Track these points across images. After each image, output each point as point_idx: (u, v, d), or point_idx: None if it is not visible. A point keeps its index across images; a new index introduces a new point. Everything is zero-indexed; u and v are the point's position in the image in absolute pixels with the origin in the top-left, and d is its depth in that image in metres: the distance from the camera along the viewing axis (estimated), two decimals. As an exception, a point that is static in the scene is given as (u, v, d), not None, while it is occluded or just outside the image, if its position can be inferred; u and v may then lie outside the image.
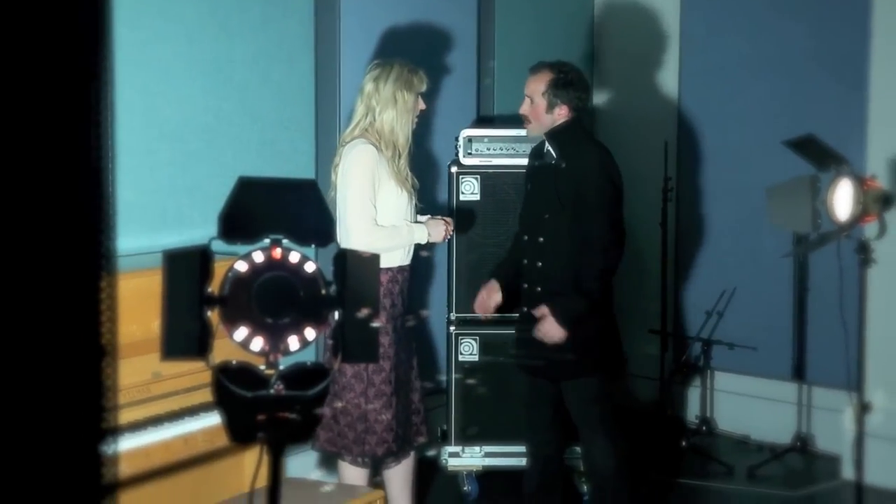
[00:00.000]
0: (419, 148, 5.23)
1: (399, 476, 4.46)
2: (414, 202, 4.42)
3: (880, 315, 5.03)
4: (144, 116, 4.19)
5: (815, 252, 5.18)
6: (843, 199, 4.19)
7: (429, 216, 4.48)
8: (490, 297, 4.58)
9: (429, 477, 5.32)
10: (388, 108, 4.27)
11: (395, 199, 4.28)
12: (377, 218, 4.25)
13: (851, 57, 5.58)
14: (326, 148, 4.87)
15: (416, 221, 4.41)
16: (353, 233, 4.18)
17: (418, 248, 4.46)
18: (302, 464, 4.74)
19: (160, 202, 4.27)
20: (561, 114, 4.38)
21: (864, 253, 4.28)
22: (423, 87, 4.38)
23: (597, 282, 4.27)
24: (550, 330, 4.23)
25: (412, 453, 4.50)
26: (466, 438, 5.22)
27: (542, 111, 4.39)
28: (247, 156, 4.61)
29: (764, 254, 5.84)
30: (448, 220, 4.49)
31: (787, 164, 4.67)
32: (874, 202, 4.17)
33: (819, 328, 5.71)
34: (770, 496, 5.43)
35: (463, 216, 5.13)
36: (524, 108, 4.47)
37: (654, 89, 6.61)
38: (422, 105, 4.39)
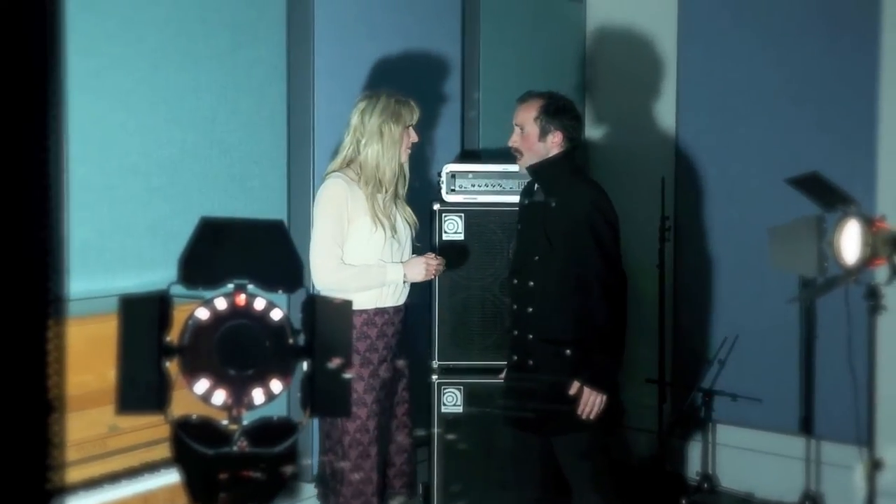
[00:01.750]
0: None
1: None
2: (407, 240, 4.44)
3: (891, 365, 5.03)
4: (102, 149, 4.17)
5: (822, 297, 5.18)
6: (850, 241, 4.20)
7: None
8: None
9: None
10: (373, 142, 4.30)
11: (370, 237, 4.29)
12: (348, 257, 4.27)
13: (860, 89, 5.62)
14: (299, 184, 4.87)
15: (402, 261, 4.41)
16: (316, 272, 4.21)
17: (412, 289, 4.46)
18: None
19: (118, 242, 4.25)
20: (555, 142, 4.40)
21: (873, 299, 4.29)
22: (415, 119, 4.40)
23: (613, 329, 4.26)
24: (591, 401, 4.22)
25: None
26: (450, 496, 5.20)
27: (535, 139, 4.41)
28: (213, 192, 4.60)
29: (768, 298, 5.85)
30: (430, 256, 4.47)
31: (791, 203, 4.69)
32: (884, 244, 4.19)
33: (827, 378, 5.71)
34: (776, 559, 5.41)
35: (449, 254, 5.12)
36: (514, 140, 4.48)
37: (651, 122, 6.64)
38: (414, 137, 4.42)
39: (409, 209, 4.48)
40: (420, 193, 5.45)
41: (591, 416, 4.23)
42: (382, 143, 4.30)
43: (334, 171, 4.34)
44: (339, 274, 4.22)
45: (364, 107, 4.35)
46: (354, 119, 4.36)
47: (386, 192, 4.33)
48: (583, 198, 4.36)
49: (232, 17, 4.68)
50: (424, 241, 5.20)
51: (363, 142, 4.31)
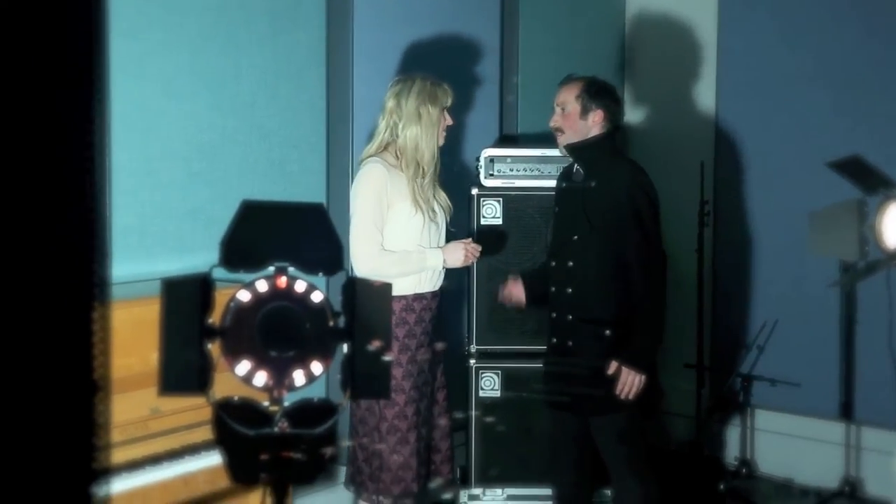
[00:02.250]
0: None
1: None
2: (442, 225, 4.43)
3: (933, 349, 5.00)
4: (144, 134, 4.20)
5: (863, 281, 5.15)
6: (892, 225, 4.18)
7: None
8: (517, 288, 4.59)
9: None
10: (411, 124, 4.28)
11: (408, 222, 4.28)
12: (386, 242, 4.26)
13: (901, 72, 5.57)
14: (338, 168, 4.89)
15: (440, 245, 4.40)
16: (356, 259, 4.19)
17: (448, 274, 4.46)
18: (329, 501, 4.72)
19: (160, 226, 4.28)
20: (596, 121, 4.38)
21: (915, 282, 4.26)
22: (449, 101, 4.38)
23: (654, 310, 4.26)
24: (629, 381, 4.23)
25: None
26: (487, 480, 5.21)
27: (576, 117, 4.39)
28: (253, 176, 4.62)
29: (808, 283, 5.81)
30: (468, 242, 4.45)
31: (832, 187, 4.66)
32: (926, 228, 4.16)
33: (868, 363, 5.67)
34: (815, 545, 5.39)
35: (487, 239, 5.12)
36: (555, 120, 4.47)
37: (690, 105, 6.61)
38: (449, 120, 4.40)
39: (443, 194, 4.46)
40: (458, 178, 5.45)
41: (630, 396, 4.22)
42: (421, 125, 4.29)
43: (371, 155, 4.32)
44: (380, 260, 4.20)
45: (400, 89, 4.33)
46: (390, 102, 4.34)
47: (425, 175, 4.31)
48: (624, 177, 4.35)
49: (272, 3, 4.69)
50: (462, 226, 5.20)
51: (401, 125, 4.29)
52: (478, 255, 4.46)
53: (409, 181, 4.27)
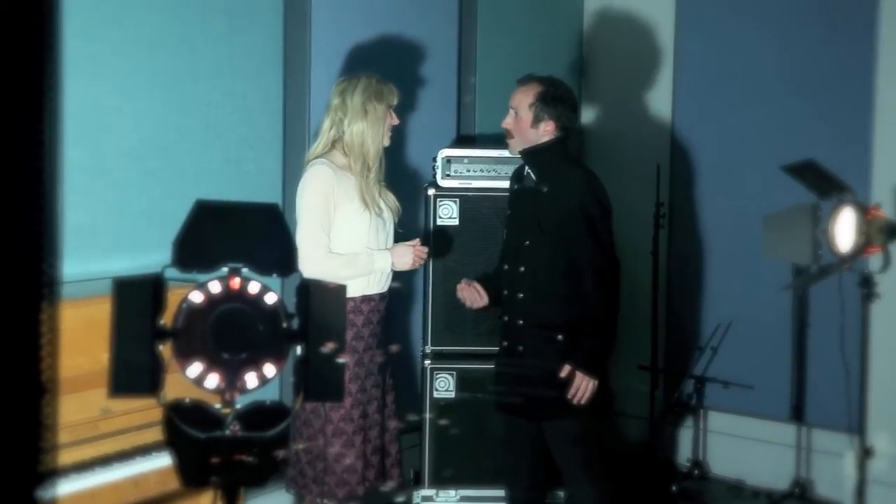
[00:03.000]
0: (395, 167, 5.23)
1: None
2: (390, 226, 4.40)
3: (884, 353, 5.05)
4: (98, 133, 4.16)
5: (815, 285, 5.19)
6: (845, 229, 4.21)
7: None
8: (473, 290, 4.57)
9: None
10: (357, 120, 4.27)
11: (356, 222, 4.26)
12: (333, 244, 4.23)
13: (855, 78, 5.61)
14: (295, 168, 4.86)
15: (388, 247, 4.38)
16: (304, 261, 4.11)
17: (392, 277, 4.44)
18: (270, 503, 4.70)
19: (113, 225, 4.24)
20: (546, 130, 4.39)
21: (867, 287, 4.30)
22: (395, 100, 4.38)
23: (605, 314, 4.27)
24: (582, 386, 4.23)
25: None
26: (441, 481, 5.20)
27: (527, 125, 4.40)
28: (208, 176, 4.59)
29: (761, 286, 5.85)
30: (417, 244, 4.43)
31: (786, 191, 4.69)
32: (878, 232, 4.20)
33: (819, 366, 5.72)
34: (766, 546, 5.43)
35: (440, 240, 5.13)
36: (507, 122, 4.47)
37: (647, 108, 6.64)
38: (394, 119, 4.39)
39: (391, 195, 4.43)
40: (415, 178, 5.45)
41: (582, 401, 4.23)
42: (367, 121, 4.27)
43: (317, 156, 4.30)
44: (328, 263, 4.17)
45: (345, 87, 4.32)
46: (335, 100, 4.32)
47: (370, 171, 4.29)
48: (576, 182, 4.35)
49: (228, 2, 4.67)
50: (418, 226, 5.20)
51: (346, 120, 4.27)
52: (425, 257, 4.44)
53: (357, 178, 4.25)
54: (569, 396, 4.22)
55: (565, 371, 4.22)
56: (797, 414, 5.91)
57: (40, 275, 1.13)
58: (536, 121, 4.39)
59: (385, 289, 4.40)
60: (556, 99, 4.40)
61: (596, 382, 4.23)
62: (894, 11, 5.48)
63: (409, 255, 4.35)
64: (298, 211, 4.24)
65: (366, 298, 4.31)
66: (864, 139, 5.55)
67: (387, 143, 4.36)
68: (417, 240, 4.46)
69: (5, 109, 1.09)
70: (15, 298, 1.11)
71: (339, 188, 4.22)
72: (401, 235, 4.48)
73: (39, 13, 1.11)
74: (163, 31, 4.41)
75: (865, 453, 4.41)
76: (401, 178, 5.37)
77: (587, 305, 4.25)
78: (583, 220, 4.27)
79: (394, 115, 4.38)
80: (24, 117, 1.10)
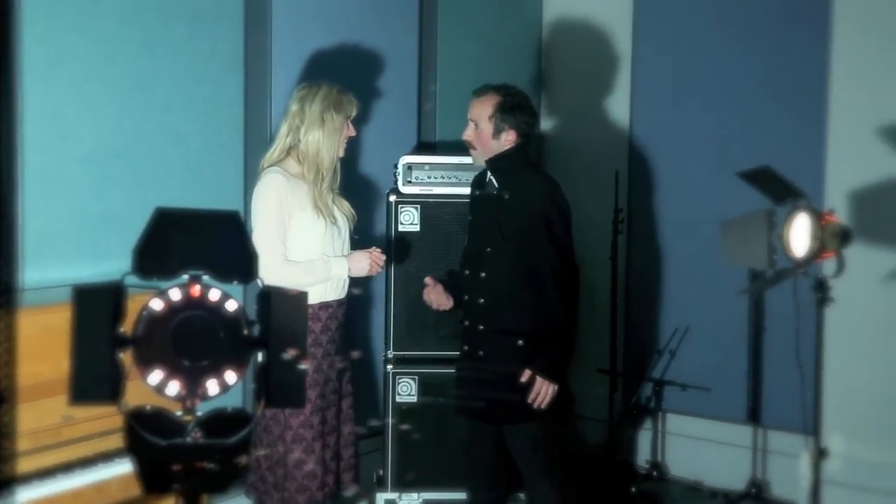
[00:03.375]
0: (356, 175, 5.23)
1: None
2: (345, 232, 4.38)
3: (838, 356, 5.09)
4: (57, 138, 4.12)
5: (771, 290, 5.22)
6: (799, 235, 4.24)
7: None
8: (444, 295, 4.58)
9: (363, 526, 5.28)
10: (314, 128, 4.24)
11: (311, 230, 4.23)
12: (292, 252, 4.21)
13: (810, 86, 5.65)
14: (255, 174, 4.83)
15: (345, 254, 4.36)
16: (261, 270, 4.09)
17: (351, 284, 4.42)
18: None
19: (73, 231, 4.20)
20: (508, 140, 4.39)
21: (821, 291, 4.32)
22: (354, 112, 4.35)
23: (565, 320, 4.27)
24: (542, 390, 4.23)
25: None
26: (404, 484, 5.20)
27: (489, 137, 4.39)
28: (169, 182, 4.56)
29: (718, 291, 5.88)
30: (374, 251, 4.40)
31: (743, 197, 4.72)
32: (832, 238, 4.22)
33: (775, 369, 5.76)
34: (724, 547, 5.46)
35: (400, 247, 5.13)
36: (468, 134, 4.47)
37: (605, 116, 6.66)
38: (351, 131, 4.36)
39: (346, 203, 4.40)
40: (376, 184, 5.44)
41: (543, 406, 4.23)
42: (324, 130, 4.25)
43: (272, 164, 4.27)
44: (285, 271, 4.14)
45: (305, 94, 4.29)
46: (294, 106, 4.29)
47: (323, 180, 4.27)
48: (537, 190, 4.36)
49: (189, 8, 4.64)
50: (372, 233, 5.19)
51: (303, 128, 4.24)
52: (382, 263, 4.41)
53: (310, 186, 4.23)
54: (529, 401, 4.22)
55: (526, 376, 4.22)
56: (753, 416, 5.94)
57: (-3, 282, 1.11)
58: (497, 131, 4.38)
59: (343, 295, 4.38)
60: (515, 107, 4.40)
61: (556, 387, 4.24)
62: (848, 22, 5.53)
63: (365, 261, 4.33)
64: (253, 219, 4.21)
65: (324, 305, 4.28)
66: (818, 146, 5.59)
67: (342, 153, 4.34)
68: (373, 246, 4.43)
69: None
70: (-28, 307, 1.10)
71: (293, 196, 4.20)
72: (357, 242, 4.46)
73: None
74: (123, 37, 4.38)
75: (820, 454, 4.43)
76: (362, 184, 5.36)
77: (548, 311, 4.25)
78: (544, 226, 4.27)
79: (351, 127, 4.36)
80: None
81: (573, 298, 4.31)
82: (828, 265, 4.52)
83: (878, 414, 5.35)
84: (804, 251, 4.23)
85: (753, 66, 5.92)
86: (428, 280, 4.61)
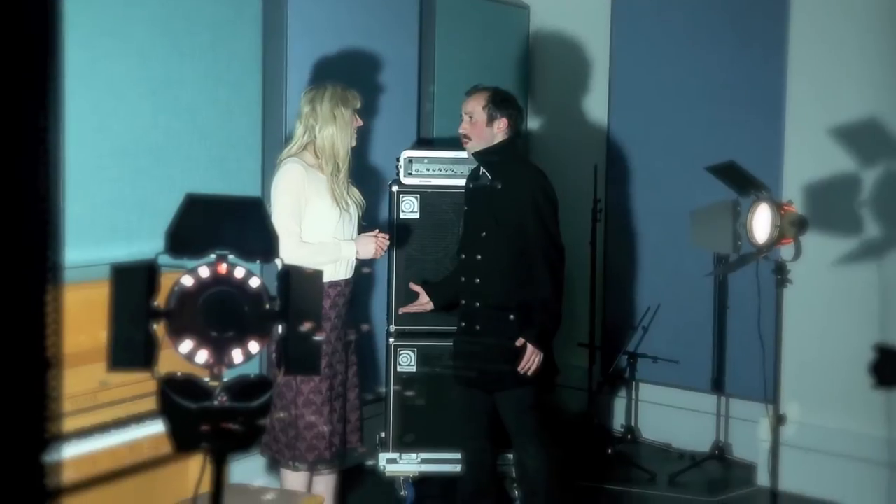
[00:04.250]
0: (362, 167, 5.21)
1: (324, 485, 4.39)
2: (355, 218, 4.36)
3: (795, 332, 5.09)
4: (95, 133, 4.12)
5: (735, 272, 5.22)
6: (761, 223, 4.24)
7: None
8: (422, 306, 4.63)
9: (367, 483, 5.28)
10: (327, 125, 4.22)
11: (327, 216, 4.21)
12: (306, 235, 4.19)
13: (769, 89, 5.65)
14: (272, 165, 4.82)
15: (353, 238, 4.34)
16: None
17: (359, 264, 4.40)
18: (247, 470, 4.67)
19: (110, 216, 4.19)
20: (500, 128, 4.39)
21: (780, 274, 4.32)
22: (358, 104, 4.33)
23: (554, 296, 4.28)
24: (532, 358, 4.22)
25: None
26: (403, 445, 5.19)
27: (483, 126, 4.40)
28: (195, 172, 4.55)
29: (687, 273, 5.89)
30: (379, 234, 4.36)
31: (710, 189, 4.71)
32: (790, 226, 4.22)
33: (738, 344, 5.77)
34: (690, 501, 5.46)
35: (402, 232, 5.13)
36: (464, 127, 4.46)
37: (585, 115, 6.65)
38: (359, 122, 4.34)
39: (356, 191, 4.38)
40: (380, 176, 5.44)
41: (530, 372, 4.24)
42: (336, 126, 4.23)
43: (292, 155, 4.25)
44: (299, 251, 4.11)
45: (314, 95, 4.27)
46: (306, 108, 4.26)
47: (340, 170, 4.25)
48: (527, 179, 4.36)
49: (212, 16, 4.62)
50: (375, 219, 5.19)
51: (317, 126, 4.22)
52: (386, 246, 4.40)
53: (329, 178, 4.21)
54: (519, 368, 4.22)
55: (520, 342, 4.22)
56: (717, 385, 5.95)
57: (45, 260, 1.11)
58: (491, 120, 4.39)
59: (350, 275, 4.35)
60: (505, 100, 4.43)
61: (542, 356, 4.24)
62: (803, 30, 5.52)
63: (371, 245, 4.31)
64: (272, 204, 4.19)
65: (333, 284, 4.26)
66: (777, 144, 5.59)
67: (353, 143, 4.33)
68: (377, 230, 4.42)
69: (13, 112, 1.06)
70: (23, 282, 1.09)
71: (310, 185, 4.18)
72: (364, 227, 4.45)
73: (44, 25, 1.09)
74: (154, 42, 4.37)
75: (778, 420, 4.44)
76: (367, 176, 5.35)
77: (538, 288, 4.26)
78: (533, 212, 4.28)
79: (358, 118, 4.34)
80: (29, 119, 1.08)
81: (559, 276, 4.32)
82: (786, 250, 4.51)
83: (830, 384, 5.36)
84: (765, 238, 4.23)
85: (719, 69, 5.92)
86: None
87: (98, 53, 4.12)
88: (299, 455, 4.21)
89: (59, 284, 1.12)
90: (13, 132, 1.06)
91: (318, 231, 4.21)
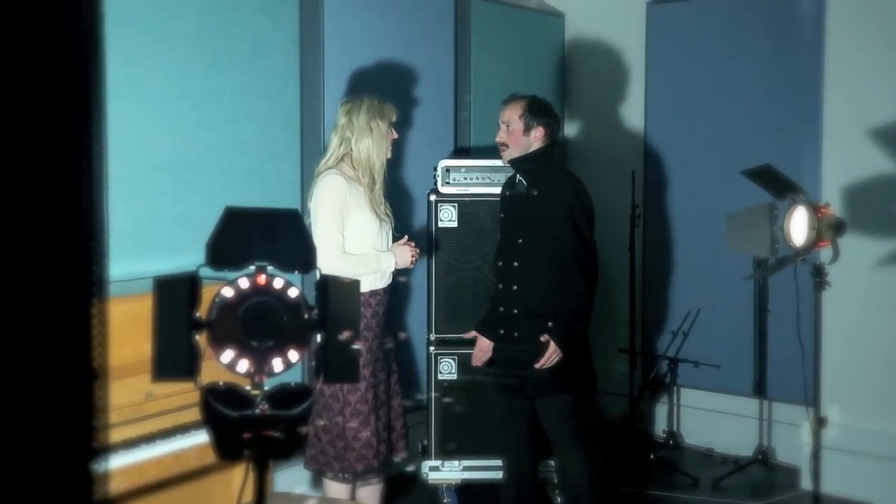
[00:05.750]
0: (400, 177, 5.25)
1: (370, 494, 4.41)
2: (389, 229, 4.39)
3: (835, 335, 5.05)
4: (138, 148, 4.17)
5: (773, 275, 5.20)
6: (798, 226, 4.21)
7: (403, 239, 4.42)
8: (486, 352, 4.61)
9: (410, 491, 5.30)
10: (364, 137, 4.24)
11: (367, 227, 4.23)
12: (347, 245, 4.21)
13: (806, 91, 5.62)
14: (311, 178, 4.86)
15: (389, 248, 4.36)
16: (321, 259, 4.06)
17: (396, 273, 4.42)
18: (290, 479, 4.70)
19: (152, 230, 4.24)
20: (537, 136, 4.39)
21: (818, 276, 4.30)
22: (394, 117, 4.34)
23: (586, 303, 4.29)
24: (553, 355, 4.24)
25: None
26: (446, 453, 5.21)
27: (520, 134, 4.40)
28: (235, 185, 4.59)
29: (726, 277, 5.86)
30: (412, 244, 4.38)
31: (746, 192, 4.69)
32: (828, 228, 4.20)
33: (778, 347, 5.73)
34: (733, 506, 5.43)
35: (439, 242, 5.14)
36: (501, 135, 4.47)
37: (622, 122, 6.64)
38: (394, 134, 4.36)
39: (387, 202, 4.41)
40: (418, 185, 5.45)
41: (546, 366, 4.23)
42: (372, 138, 4.24)
43: (330, 167, 4.26)
44: (343, 262, 4.13)
45: (350, 108, 4.28)
46: (342, 119, 4.27)
47: (375, 183, 4.27)
48: (563, 187, 4.36)
49: (251, 30, 4.67)
50: (414, 229, 5.20)
51: (353, 138, 4.23)
52: (418, 254, 4.41)
53: (367, 191, 4.23)
54: (537, 364, 4.23)
55: (545, 338, 4.23)
56: (759, 389, 5.91)
57: (90, 275, 1.13)
58: (528, 128, 4.40)
59: (388, 284, 4.38)
60: (542, 108, 4.43)
61: (562, 354, 4.23)
62: (839, 33, 5.49)
63: (408, 254, 4.33)
64: (315, 215, 4.20)
65: (374, 293, 4.28)
66: (815, 146, 5.56)
67: (388, 156, 4.34)
68: (406, 236, 4.42)
69: (58, 129, 1.09)
70: (69, 296, 1.12)
71: (351, 197, 4.20)
72: (396, 238, 4.46)
73: (87, 43, 1.11)
74: (194, 57, 4.42)
75: (819, 423, 4.41)
76: (406, 185, 5.38)
77: (572, 295, 4.26)
78: (569, 220, 4.28)
79: (393, 131, 4.36)
80: (72, 136, 1.10)
81: (593, 283, 4.32)
82: (824, 253, 4.49)
83: (871, 386, 5.31)
84: (803, 241, 4.20)
85: (754, 74, 5.89)
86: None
87: (139, 69, 4.17)
88: (348, 466, 4.21)
89: (104, 298, 1.14)
90: (57, 149, 1.09)
91: (359, 242, 4.23)
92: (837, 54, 5.49)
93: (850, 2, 5.46)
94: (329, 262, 4.05)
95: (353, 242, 4.22)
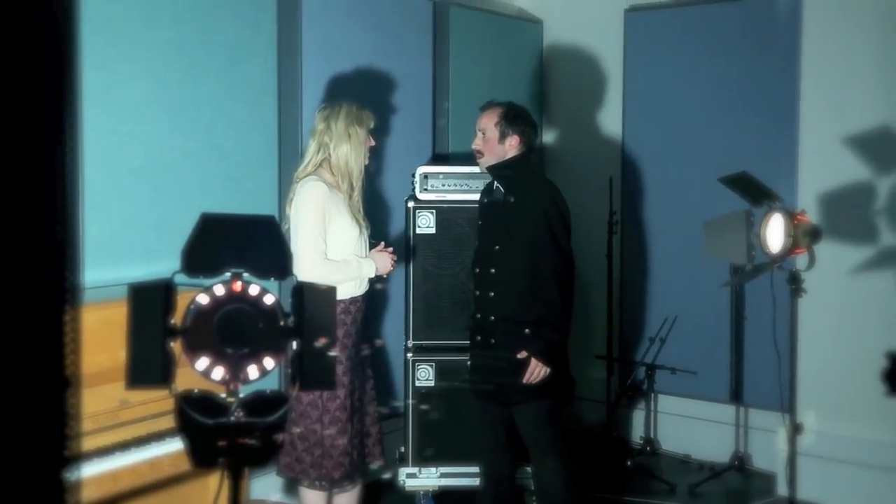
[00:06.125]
0: (378, 183, 5.24)
1: (346, 501, 4.39)
2: (366, 236, 4.39)
3: (811, 342, 5.08)
4: (113, 154, 4.14)
5: (750, 282, 5.22)
6: (775, 233, 4.24)
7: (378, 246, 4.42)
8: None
9: (387, 498, 5.29)
10: (342, 143, 4.23)
11: (348, 233, 4.22)
12: (328, 252, 4.20)
13: (783, 98, 5.65)
14: (289, 184, 4.86)
15: (368, 255, 4.35)
16: (302, 266, 4.05)
17: (373, 280, 4.41)
18: (265, 486, 4.69)
19: (127, 236, 4.22)
20: (512, 145, 4.40)
21: (794, 283, 4.33)
22: (372, 124, 4.33)
23: (562, 311, 4.28)
24: (536, 371, 4.24)
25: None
26: (423, 459, 5.20)
27: (495, 142, 4.41)
28: (212, 192, 4.58)
29: (703, 284, 5.88)
30: (391, 250, 4.38)
31: (724, 199, 4.72)
32: (804, 235, 4.23)
33: (754, 354, 5.75)
34: (710, 513, 5.45)
35: (417, 248, 5.14)
36: (477, 143, 4.48)
37: (600, 128, 6.66)
38: (371, 141, 4.35)
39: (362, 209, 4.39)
40: (396, 192, 5.45)
41: (534, 382, 4.24)
42: (350, 144, 4.23)
43: (309, 174, 4.24)
44: (325, 268, 4.12)
45: (328, 113, 4.27)
46: (320, 125, 4.26)
47: (353, 189, 4.26)
48: (539, 194, 4.36)
49: (228, 38, 4.66)
50: (386, 236, 5.20)
51: (332, 144, 4.22)
52: (395, 262, 4.42)
53: (345, 197, 4.23)
54: (524, 381, 4.23)
55: (522, 355, 4.23)
56: (736, 396, 5.94)
57: (63, 281, 1.13)
58: (503, 136, 4.40)
59: (365, 290, 4.37)
60: (518, 116, 4.43)
61: (549, 369, 4.24)
62: (815, 42, 5.52)
63: (388, 261, 4.33)
64: (296, 221, 4.18)
65: (353, 300, 4.27)
66: (791, 153, 5.59)
67: (366, 162, 4.34)
68: (382, 243, 4.42)
69: (31, 135, 1.09)
70: (41, 302, 1.11)
71: (332, 203, 4.19)
72: (372, 245, 4.45)
73: (60, 48, 1.11)
74: (170, 64, 4.40)
75: (795, 429, 4.43)
76: (384, 192, 5.38)
77: (547, 302, 4.26)
78: (544, 227, 4.28)
79: (371, 138, 4.35)
80: (48, 142, 1.10)
81: (569, 291, 4.32)
82: (800, 260, 4.52)
83: (846, 393, 5.34)
84: (779, 248, 4.23)
85: (732, 82, 5.92)
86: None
87: (115, 76, 4.15)
88: (325, 474, 4.20)
89: (78, 304, 1.14)
90: (31, 155, 1.08)
91: (339, 248, 4.22)
92: (814, 61, 5.52)
93: (827, 9, 5.50)
94: (312, 268, 4.05)
95: (334, 249, 4.21)
